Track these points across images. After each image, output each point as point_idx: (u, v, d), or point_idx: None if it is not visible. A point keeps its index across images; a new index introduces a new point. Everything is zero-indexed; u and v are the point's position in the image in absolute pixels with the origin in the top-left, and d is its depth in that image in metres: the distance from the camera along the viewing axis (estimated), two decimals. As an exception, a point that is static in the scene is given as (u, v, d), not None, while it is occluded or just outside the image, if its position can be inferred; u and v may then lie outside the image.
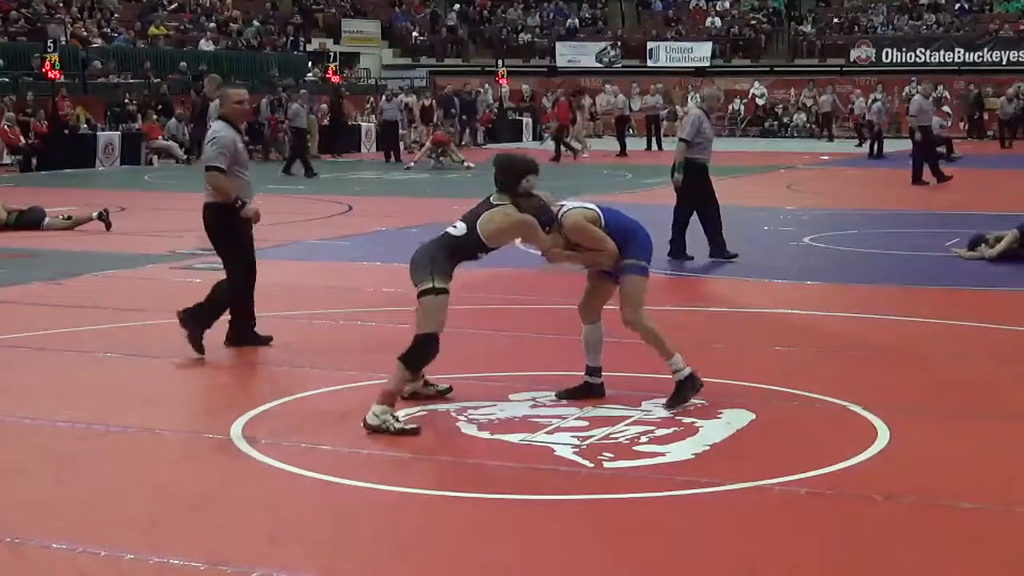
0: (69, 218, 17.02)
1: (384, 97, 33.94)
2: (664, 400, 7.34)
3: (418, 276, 7.04)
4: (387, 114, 32.81)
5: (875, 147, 33.05)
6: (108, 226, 16.60)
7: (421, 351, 6.99)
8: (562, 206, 7.32)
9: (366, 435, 6.77)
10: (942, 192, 22.96)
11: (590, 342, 7.54)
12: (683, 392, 7.31)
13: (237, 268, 9.15)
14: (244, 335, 9.15)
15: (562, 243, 7.30)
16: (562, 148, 32.59)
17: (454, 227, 7.16)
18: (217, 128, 9.13)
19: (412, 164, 29.45)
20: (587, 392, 7.53)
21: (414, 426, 6.86)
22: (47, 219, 16.89)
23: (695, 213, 13.85)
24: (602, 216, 7.35)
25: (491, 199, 7.21)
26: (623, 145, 34.42)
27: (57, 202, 18.95)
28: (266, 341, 9.18)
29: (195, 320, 8.91)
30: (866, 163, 31.65)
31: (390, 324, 9.69)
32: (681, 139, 13.91)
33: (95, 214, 16.88)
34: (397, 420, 6.83)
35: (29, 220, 16.82)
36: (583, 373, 7.60)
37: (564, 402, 7.44)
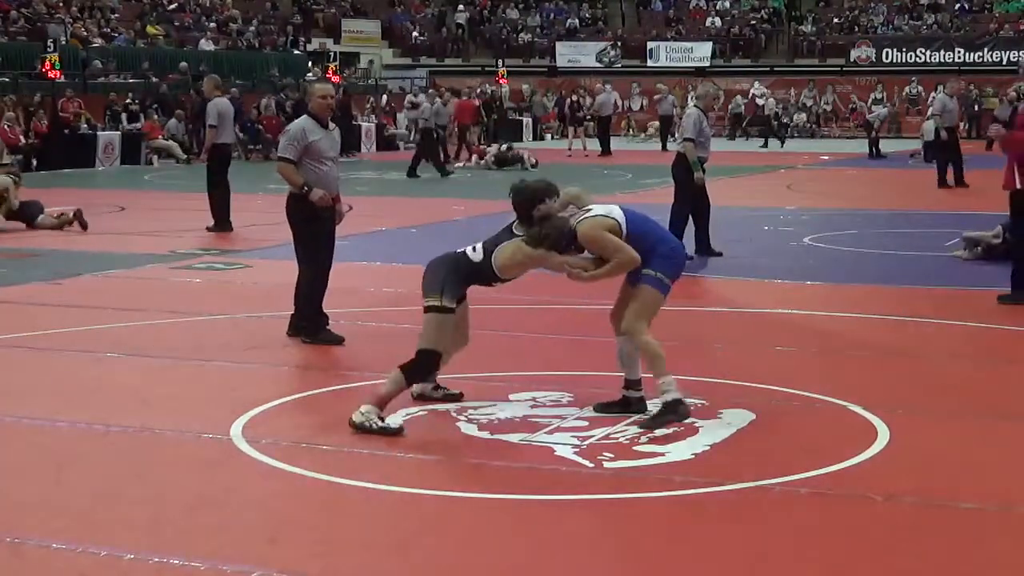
0: (62, 215, 17.08)
1: (423, 109, 32.38)
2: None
3: (428, 289, 7.01)
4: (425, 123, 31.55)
5: (873, 148, 32.99)
6: (84, 227, 16.60)
7: (421, 365, 6.98)
8: (588, 211, 6.98)
9: (366, 435, 6.77)
10: (942, 192, 22.93)
11: (624, 354, 7.18)
12: (664, 415, 6.88)
13: (309, 259, 9.33)
14: (317, 330, 9.25)
15: (586, 260, 6.99)
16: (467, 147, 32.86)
17: (473, 250, 7.07)
18: (295, 121, 9.56)
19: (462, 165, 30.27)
20: (626, 407, 7.19)
21: (397, 426, 6.82)
22: (42, 216, 16.96)
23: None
24: (624, 224, 6.92)
25: (512, 227, 7.07)
26: (604, 144, 34.45)
27: (57, 202, 18.90)
28: (338, 340, 9.20)
29: (306, 330, 9.23)
30: (866, 163, 31.65)
31: (390, 324, 9.69)
32: (687, 139, 13.98)
33: (71, 214, 16.93)
34: (381, 420, 6.80)
35: (27, 214, 16.91)
36: (622, 387, 7.26)
37: (566, 401, 7.40)
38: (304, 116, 9.49)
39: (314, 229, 9.30)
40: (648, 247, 6.96)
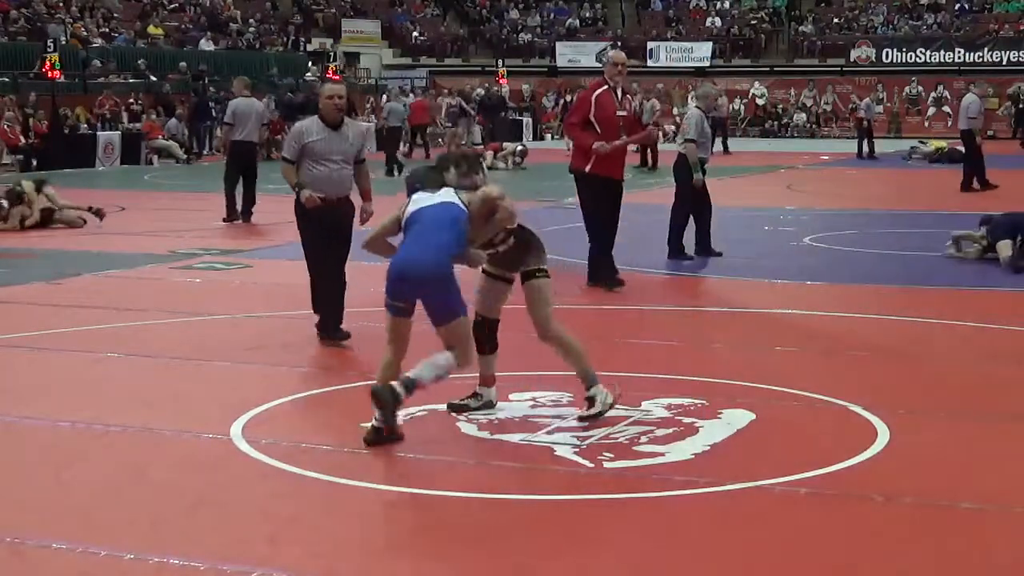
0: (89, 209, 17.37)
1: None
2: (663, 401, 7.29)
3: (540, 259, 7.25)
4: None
5: (862, 147, 32.85)
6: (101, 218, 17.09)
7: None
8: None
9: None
10: (943, 193, 22.90)
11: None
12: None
13: (308, 259, 9.39)
14: (325, 330, 9.26)
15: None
16: (424, 143, 33.20)
17: None
18: (300, 122, 9.58)
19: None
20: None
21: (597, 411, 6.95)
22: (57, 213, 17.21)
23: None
24: (406, 212, 7.33)
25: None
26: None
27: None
28: (343, 336, 9.19)
29: (325, 329, 9.20)
30: (866, 163, 31.62)
31: (390, 324, 9.67)
32: (688, 140, 13.99)
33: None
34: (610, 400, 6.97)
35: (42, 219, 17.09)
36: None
37: (566, 401, 7.40)
38: (311, 118, 9.47)
39: (310, 229, 9.28)
40: None
